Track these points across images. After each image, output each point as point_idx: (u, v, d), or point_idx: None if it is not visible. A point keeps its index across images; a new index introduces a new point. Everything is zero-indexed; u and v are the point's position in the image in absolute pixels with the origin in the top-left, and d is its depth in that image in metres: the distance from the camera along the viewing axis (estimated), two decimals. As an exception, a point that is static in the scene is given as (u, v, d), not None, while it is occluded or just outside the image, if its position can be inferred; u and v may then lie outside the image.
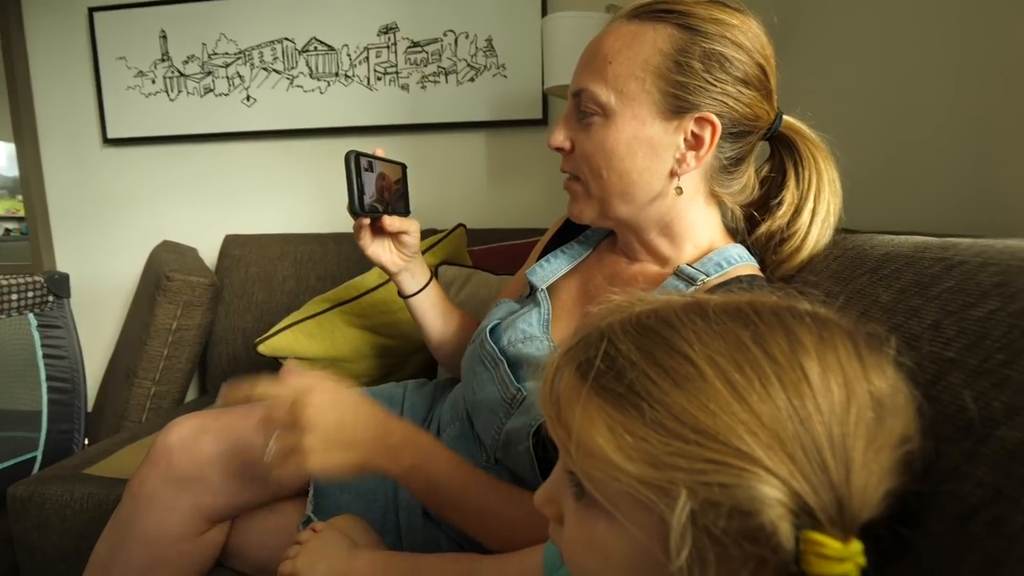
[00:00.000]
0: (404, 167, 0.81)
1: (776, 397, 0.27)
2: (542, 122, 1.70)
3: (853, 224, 0.73)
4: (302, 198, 1.83)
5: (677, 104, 0.59)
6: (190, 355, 1.57)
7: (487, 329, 0.70)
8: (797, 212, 0.63)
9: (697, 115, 0.59)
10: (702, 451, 0.26)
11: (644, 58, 0.59)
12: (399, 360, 1.11)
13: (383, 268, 0.80)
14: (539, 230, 1.65)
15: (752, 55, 0.59)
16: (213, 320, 1.62)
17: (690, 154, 0.60)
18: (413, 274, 0.83)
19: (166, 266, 1.55)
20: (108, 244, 1.89)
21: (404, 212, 0.81)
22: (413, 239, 0.79)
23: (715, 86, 0.58)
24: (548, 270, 0.74)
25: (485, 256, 1.43)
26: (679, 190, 0.61)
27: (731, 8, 0.60)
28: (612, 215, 0.65)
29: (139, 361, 1.52)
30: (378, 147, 0.77)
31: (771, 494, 0.26)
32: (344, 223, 1.80)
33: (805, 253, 0.62)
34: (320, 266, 1.65)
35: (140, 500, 0.69)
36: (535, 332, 0.67)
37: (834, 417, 0.27)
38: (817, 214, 0.62)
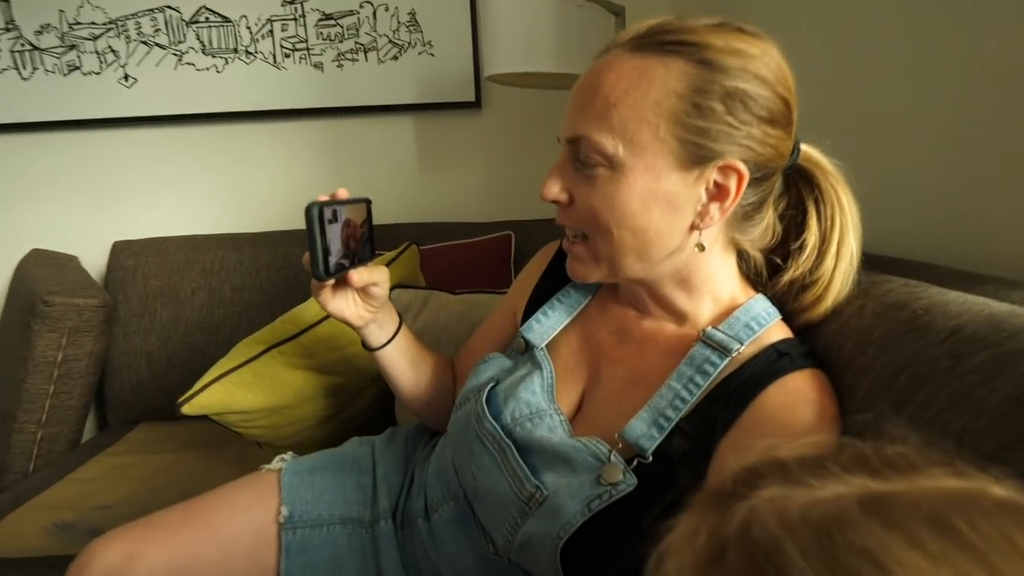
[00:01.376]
0: (368, 203, 0.69)
1: None
2: (475, 105, 1.58)
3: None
4: (205, 195, 1.60)
5: (697, 153, 0.51)
6: (83, 389, 1.35)
7: (483, 400, 0.61)
8: (820, 256, 0.57)
9: (721, 163, 0.51)
10: None
11: (655, 100, 0.50)
12: (350, 397, 0.99)
13: (347, 324, 0.68)
14: (479, 224, 1.55)
15: (775, 88, 0.52)
16: (108, 345, 1.40)
17: (713, 206, 0.53)
18: (381, 324, 0.71)
19: (41, 286, 1.29)
20: (-44, 255, 1.57)
21: (370, 257, 0.69)
22: (381, 290, 0.67)
23: (739, 129, 0.51)
24: (546, 325, 0.66)
25: (429, 260, 1.32)
26: (700, 247, 0.55)
27: (749, 34, 0.53)
28: (624, 275, 0.57)
29: (17, 402, 1.28)
30: (340, 188, 0.64)
31: None
32: (261, 222, 1.61)
33: (829, 301, 0.57)
34: (235, 274, 1.46)
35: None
36: (541, 404, 0.59)
37: None
38: (842, 257, 0.57)
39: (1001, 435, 0.35)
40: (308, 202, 0.56)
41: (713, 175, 0.52)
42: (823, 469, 0.28)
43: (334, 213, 0.58)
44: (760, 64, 0.51)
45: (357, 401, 1.01)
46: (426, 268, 1.27)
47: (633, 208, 0.52)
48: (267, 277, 1.46)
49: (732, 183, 0.52)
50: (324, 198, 0.59)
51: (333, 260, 0.58)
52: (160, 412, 1.44)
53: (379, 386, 1.03)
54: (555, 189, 0.56)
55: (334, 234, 0.58)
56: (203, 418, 1.37)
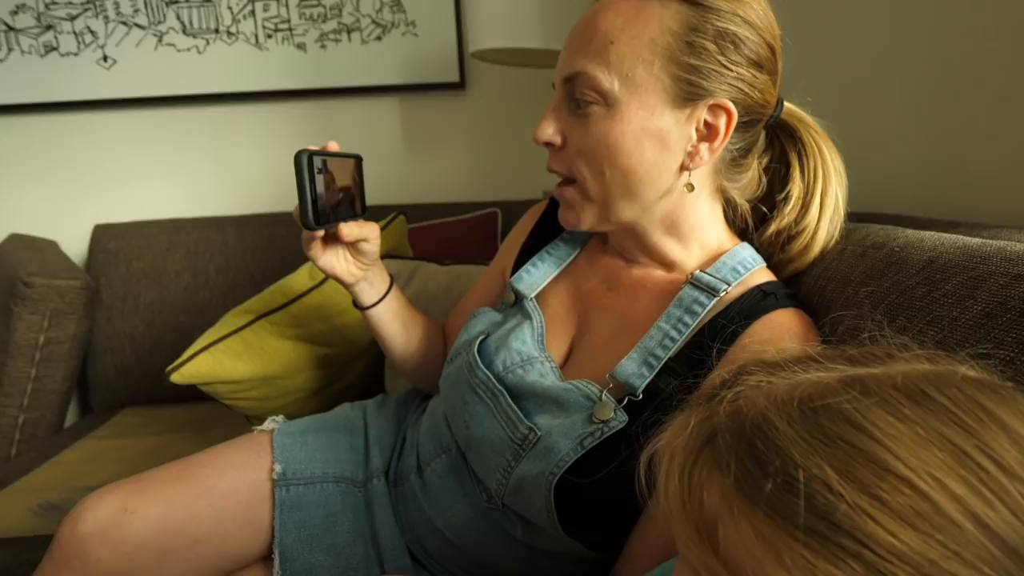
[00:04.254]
0: (359, 160, 0.69)
1: None
2: (459, 86, 1.58)
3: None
4: (187, 178, 1.58)
5: (690, 91, 0.53)
6: (65, 372, 1.33)
7: (475, 350, 0.62)
8: (805, 207, 0.59)
9: (711, 102, 0.53)
10: None
11: (651, 38, 0.52)
12: (340, 368, 0.99)
13: (338, 280, 0.69)
14: (465, 204, 1.55)
15: (763, 34, 0.55)
16: (91, 328, 1.38)
17: (703, 146, 0.55)
18: (372, 283, 0.72)
19: (22, 268, 1.28)
20: (-68, 242, 1.53)
21: (361, 213, 0.69)
22: (372, 246, 0.67)
23: (730, 70, 0.53)
24: (535, 276, 0.67)
25: (417, 238, 1.32)
26: (690, 186, 0.56)
27: None
28: (615, 218, 0.58)
29: (-2, 385, 1.26)
30: (331, 141, 0.64)
31: None
32: (245, 204, 1.60)
33: (816, 250, 0.59)
34: (220, 256, 1.45)
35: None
36: (532, 351, 0.60)
37: None
38: (826, 208, 0.59)
39: (974, 347, 0.37)
40: (297, 149, 0.56)
41: (703, 114, 0.54)
42: (807, 360, 0.29)
43: (324, 164, 0.58)
44: (750, 9, 0.54)
45: (347, 373, 1.01)
46: (413, 247, 1.27)
47: (626, 146, 0.54)
48: (252, 259, 1.45)
49: (721, 123, 0.54)
50: (314, 148, 0.59)
51: (323, 210, 0.58)
52: (145, 396, 1.42)
53: (368, 358, 1.04)
54: (549, 131, 0.57)
55: (324, 185, 0.58)
56: (188, 401, 1.37)
